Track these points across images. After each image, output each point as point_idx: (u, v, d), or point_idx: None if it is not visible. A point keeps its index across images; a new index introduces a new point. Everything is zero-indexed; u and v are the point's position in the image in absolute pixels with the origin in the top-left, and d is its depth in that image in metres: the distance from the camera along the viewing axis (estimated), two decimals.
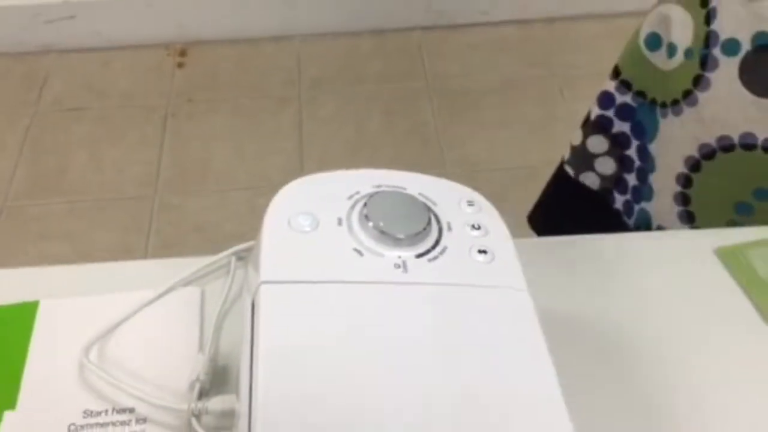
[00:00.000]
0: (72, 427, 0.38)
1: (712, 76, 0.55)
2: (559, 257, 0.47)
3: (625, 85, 0.63)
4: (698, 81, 0.55)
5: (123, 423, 0.38)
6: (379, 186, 0.34)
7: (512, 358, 0.30)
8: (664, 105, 0.60)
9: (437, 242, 0.32)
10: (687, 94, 0.57)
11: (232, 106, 1.49)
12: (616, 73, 0.64)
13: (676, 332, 0.43)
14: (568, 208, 0.72)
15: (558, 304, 0.41)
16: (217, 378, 0.40)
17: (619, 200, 0.67)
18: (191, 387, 0.39)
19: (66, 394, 0.39)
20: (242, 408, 0.31)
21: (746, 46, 0.52)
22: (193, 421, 0.37)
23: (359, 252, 0.31)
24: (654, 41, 0.60)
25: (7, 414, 0.39)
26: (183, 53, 1.60)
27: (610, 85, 0.64)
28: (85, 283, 0.46)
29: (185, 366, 0.40)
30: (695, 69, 0.55)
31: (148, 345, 0.42)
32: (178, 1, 1.58)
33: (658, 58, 0.60)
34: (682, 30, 0.57)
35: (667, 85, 0.59)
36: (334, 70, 1.56)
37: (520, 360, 0.30)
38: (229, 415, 0.37)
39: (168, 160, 1.39)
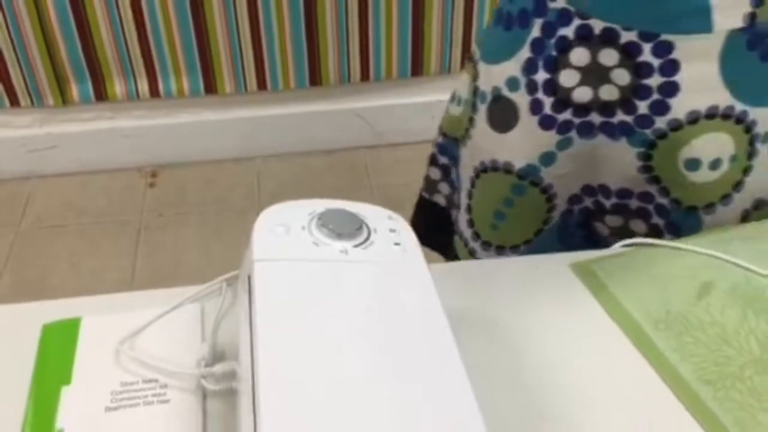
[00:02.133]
0: (113, 393, 0.53)
1: (476, 117, 0.76)
2: (457, 279, 0.64)
3: (441, 131, 0.86)
4: (471, 121, 0.77)
5: (150, 388, 0.53)
6: (328, 207, 0.52)
7: (414, 303, 0.47)
8: (458, 140, 0.82)
9: (367, 238, 0.50)
10: (467, 130, 0.78)
11: (199, 219, 1.67)
12: (440, 125, 0.88)
13: (543, 323, 0.60)
14: (429, 222, 0.93)
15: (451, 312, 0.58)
16: (216, 359, 0.56)
17: (454, 214, 0.88)
18: (198, 362, 0.54)
19: (107, 372, 0.54)
20: (243, 369, 0.47)
21: (489, 96, 0.73)
22: (203, 381, 0.53)
23: (316, 244, 0.49)
24: (452, 97, 0.83)
25: (64, 387, 0.53)
26: (154, 175, 1.79)
27: (437, 134, 0.88)
28: (111, 309, 0.62)
29: (192, 354, 0.56)
30: (469, 113, 0.77)
31: (164, 342, 0.57)
32: (150, 130, 1.79)
33: (454, 109, 0.82)
34: (464, 87, 0.79)
35: (459, 126, 0.81)
36: (290, 185, 1.76)
37: (418, 302, 0.47)
38: (230, 375, 0.53)
39: (141, 267, 1.55)
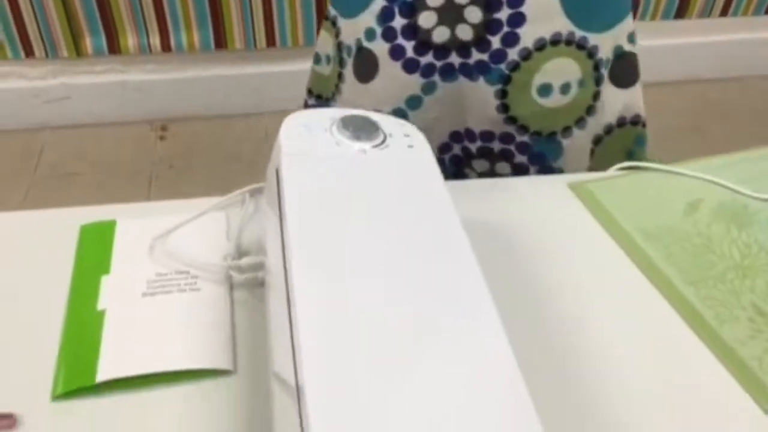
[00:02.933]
0: (148, 281, 0.58)
1: (344, 71, 0.80)
2: (461, 195, 0.69)
3: (310, 92, 0.90)
4: (340, 76, 0.81)
5: (182, 278, 0.58)
6: (347, 113, 0.56)
7: (427, 197, 0.52)
8: (329, 100, 0.86)
9: (384, 140, 0.55)
10: (337, 86, 0.82)
11: (208, 170, 1.71)
12: (308, 87, 0.90)
13: (543, 235, 0.65)
14: None
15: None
16: (241, 257, 0.61)
17: None
18: (225, 257, 0.59)
19: (143, 264, 0.59)
20: (272, 259, 0.51)
21: (354, 49, 0.77)
22: (231, 272, 0.58)
23: (338, 144, 0.53)
24: (317, 58, 0.86)
25: (104, 276, 0.58)
26: (164, 128, 1.83)
27: (306, 96, 0.90)
28: (141, 215, 0.66)
29: (219, 251, 0.60)
30: (338, 68, 0.81)
31: (193, 243, 0.62)
32: (161, 85, 1.82)
33: (323, 69, 0.85)
34: (327, 45, 0.82)
35: (329, 84, 0.84)
36: None
37: (431, 196, 0.52)
38: (255, 267, 0.58)
39: None
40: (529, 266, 0.62)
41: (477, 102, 0.75)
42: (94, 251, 0.61)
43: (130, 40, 1.74)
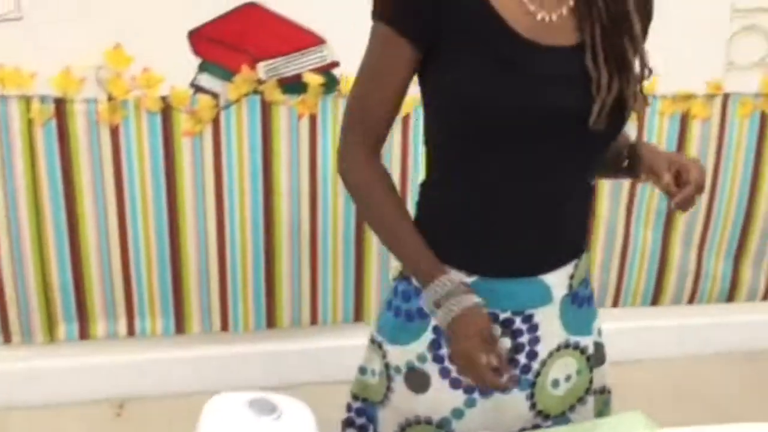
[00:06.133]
0: None
1: (393, 384, 1.01)
2: None
3: (355, 397, 1.10)
4: (389, 388, 1.02)
5: None
6: (253, 397, 0.78)
7: None
8: (374, 404, 1.06)
9: (280, 416, 0.76)
10: (385, 395, 1.03)
11: None
12: (353, 392, 1.11)
13: None
14: None
15: None
16: None
17: None
18: None
19: None
20: None
21: (403, 369, 1.00)
22: None
23: (246, 417, 0.75)
24: (363, 370, 1.07)
25: None
26: (121, 406, 1.99)
27: (350, 399, 1.10)
28: None
29: None
30: (386, 382, 1.03)
31: None
32: (122, 366, 2.02)
33: (370, 379, 1.05)
34: (373, 362, 1.04)
35: (377, 392, 1.05)
36: None
37: None
38: None
39: None
40: None
41: (513, 407, 0.98)
42: None
43: (99, 326, 1.97)
